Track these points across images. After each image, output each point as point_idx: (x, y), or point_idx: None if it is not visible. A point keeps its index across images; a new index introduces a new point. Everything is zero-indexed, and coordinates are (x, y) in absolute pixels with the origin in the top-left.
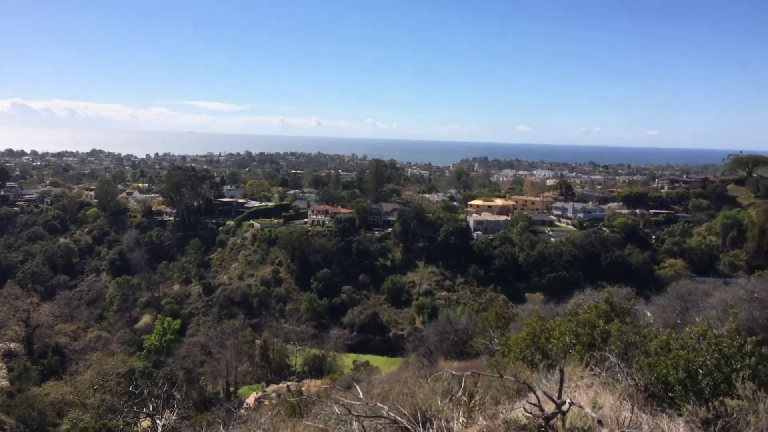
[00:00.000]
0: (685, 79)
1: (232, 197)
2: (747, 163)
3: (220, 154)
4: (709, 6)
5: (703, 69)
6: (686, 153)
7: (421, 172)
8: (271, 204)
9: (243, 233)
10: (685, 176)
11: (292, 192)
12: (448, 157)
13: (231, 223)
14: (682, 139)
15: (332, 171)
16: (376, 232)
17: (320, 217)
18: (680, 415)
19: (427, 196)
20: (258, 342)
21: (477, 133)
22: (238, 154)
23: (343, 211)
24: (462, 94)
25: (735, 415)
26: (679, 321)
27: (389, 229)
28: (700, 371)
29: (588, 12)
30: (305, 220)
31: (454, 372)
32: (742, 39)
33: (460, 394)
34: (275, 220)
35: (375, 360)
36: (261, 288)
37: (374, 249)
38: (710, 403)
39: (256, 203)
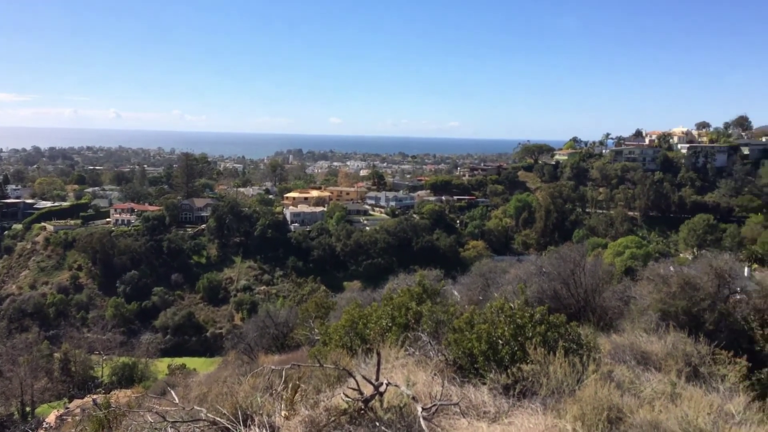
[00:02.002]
0: (479, 75)
1: (18, 198)
2: (533, 151)
3: (1, 149)
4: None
5: (493, 66)
6: (484, 143)
7: (235, 165)
8: (66, 204)
9: (33, 237)
10: (483, 164)
11: (90, 190)
12: (262, 149)
13: (18, 226)
14: (480, 129)
15: (137, 166)
16: (189, 229)
17: (125, 216)
18: (485, 383)
19: (242, 189)
20: (57, 355)
21: (289, 125)
22: (24, 150)
23: (151, 208)
24: (267, 86)
25: (530, 379)
26: (481, 297)
27: (203, 225)
28: (500, 342)
29: (383, 5)
30: (108, 219)
31: (273, 366)
32: (531, 35)
33: (280, 387)
34: (72, 221)
35: (193, 362)
36: (58, 296)
37: (187, 246)
38: (509, 370)
39: (48, 203)
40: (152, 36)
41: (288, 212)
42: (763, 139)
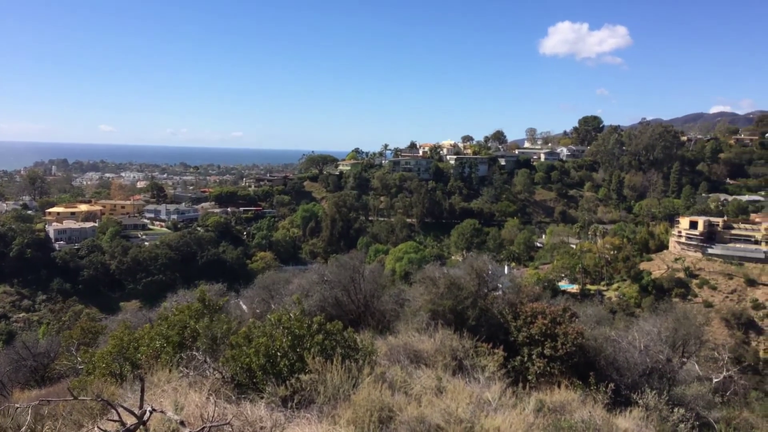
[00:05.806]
0: (259, 84)
1: None
2: (318, 162)
3: None
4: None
5: (273, 76)
6: (269, 153)
7: None
8: None
9: None
10: (269, 175)
11: None
12: (18, 159)
13: None
14: (263, 140)
15: None
16: None
17: None
18: (263, 398)
19: None
20: None
21: (50, 132)
22: None
23: None
24: (22, 85)
25: (308, 388)
26: (258, 310)
27: None
28: (278, 354)
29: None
30: None
31: (17, 405)
32: (310, 47)
33: (26, 426)
34: None
35: None
36: None
37: None
38: (288, 382)
39: None
40: None
41: (51, 229)
42: (516, 152)
